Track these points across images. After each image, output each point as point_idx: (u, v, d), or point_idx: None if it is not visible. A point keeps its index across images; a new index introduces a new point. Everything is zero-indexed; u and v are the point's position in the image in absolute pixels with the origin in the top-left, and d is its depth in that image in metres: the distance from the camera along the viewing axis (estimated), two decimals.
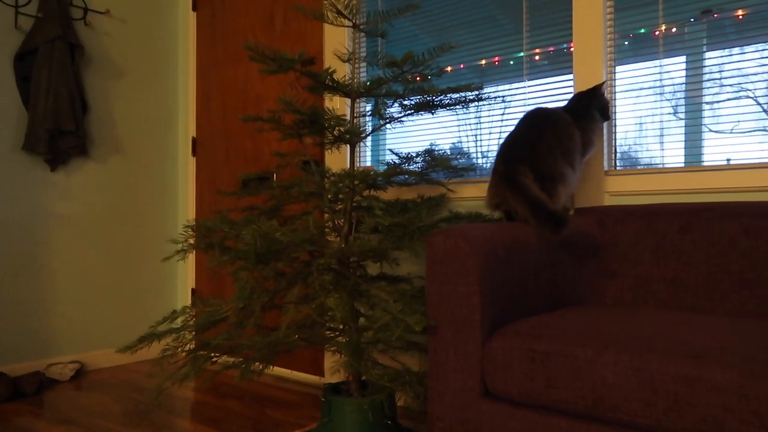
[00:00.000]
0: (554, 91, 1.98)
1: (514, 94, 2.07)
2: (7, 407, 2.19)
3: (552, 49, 1.99)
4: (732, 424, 0.91)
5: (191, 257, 3.07)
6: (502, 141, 1.67)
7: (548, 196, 1.51)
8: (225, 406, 2.18)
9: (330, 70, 1.68)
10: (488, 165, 2.15)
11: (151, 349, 2.97)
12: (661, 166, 1.79)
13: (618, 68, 1.86)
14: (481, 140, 2.17)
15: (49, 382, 2.53)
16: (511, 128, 2.06)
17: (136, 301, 2.95)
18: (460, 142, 2.22)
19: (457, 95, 1.77)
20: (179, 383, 1.56)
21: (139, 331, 2.96)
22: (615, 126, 1.87)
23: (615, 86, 1.87)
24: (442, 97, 1.76)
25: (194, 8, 3.11)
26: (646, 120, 1.82)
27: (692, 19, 1.74)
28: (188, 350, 1.66)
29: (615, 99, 1.87)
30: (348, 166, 1.99)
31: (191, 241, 1.70)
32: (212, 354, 1.62)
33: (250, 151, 2.84)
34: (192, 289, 3.07)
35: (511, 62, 2.09)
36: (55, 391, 2.41)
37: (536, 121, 1.63)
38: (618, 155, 1.87)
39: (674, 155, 1.77)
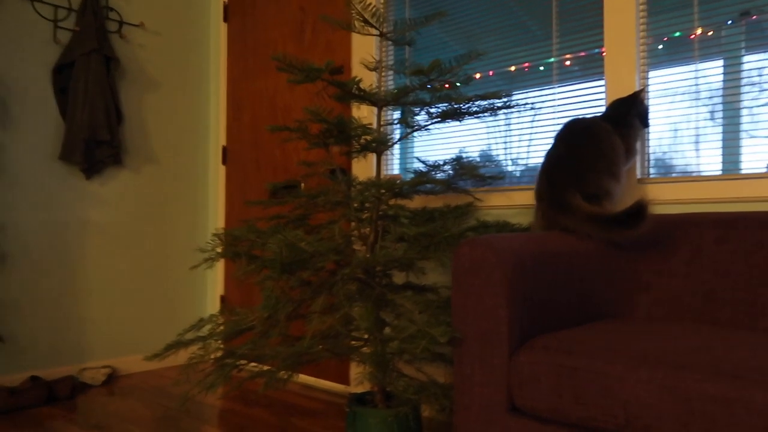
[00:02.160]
0: (585, 97, 1.94)
1: (544, 100, 2.04)
2: (42, 411, 2.24)
3: (583, 54, 1.95)
4: None
5: (221, 265, 3.10)
6: (543, 159, 1.64)
7: None
8: (251, 414, 2.19)
9: (357, 79, 1.68)
10: (517, 173, 2.11)
11: (180, 355, 3.01)
12: (696, 173, 1.73)
13: (651, 73, 1.82)
14: (510, 147, 2.14)
15: (82, 387, 2.58)
16: (545, 137, 2.03)
17: (167, 308, 3.00)
18: (489, 150, 2.19)
19: (485, 102, 1.75)
20: (206, 391, 1.56)
21: (168, 337, 3.00)
22: (648, 133, 1.82)
23: (648, 92, 1.82)
24: (469, 104, 1.74)
25: (225, 20, 3.16)
26: (681, 126, 1.77)
27: (729, 22, 1.69)
28: (215, 358, 1.66)
29: (648, 104, 1.82)
30: (374, 174, 1.98)
31: (218, 249, 1.71)
32: (238, 362, 1.63)
33: (279, 160, 2.86)
34: (221, 296, 3.10)
35: (541, 68, 2.05)
36: (87, 395, 2.46)
37: (576, 135, 1.59)
38: (652, 163, 1.82)
39: (711, 162, 1.71)
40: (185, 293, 3.08)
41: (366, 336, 1.67)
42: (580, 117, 1.68)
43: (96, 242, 2.74)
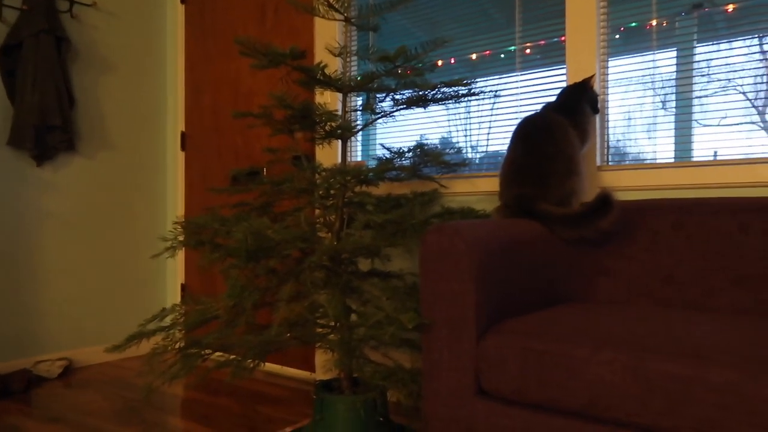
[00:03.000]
0: (547, 84, 1.97)
1: (507, 87, 2.06)
2: None
3: (543, 42, 1.98)
4: (729, 424, 0.90)
5: (181, 253, 3.04)
6: (504, 160, 1.66)
7: None
8: (216, 403, 2.17)
9: (321, 65, 1.66)
10: (477, 160, 2.14)
11: (141, 346, 2.95)
12: (652, 160, 1.78)
13: (610, 61, 1.86)
14: (471, 133, 2.16)
15: (37, 380, 2.50)
16: (505, 124, 2.06)
17: (125, 297, 2.93)
18: (451, 135, 2.21)
19: (450, 90, 1.75)
20: (169, 382, 1.54)
21: (128, 327, 2.93)
22: (607, 121, 1.86)
23: (608, 80, 1.86)
24: (434, 91, 1.74)
25: (183, 1, 3.07)
26: (638, 114, 1.82)
27: (683, 13, 1.74)
28: (178, 348, 1.64)
29: (608, 92, 1.86)
30: (339, 161, 1.97)
31: (180, 238, 1.68)
32: (203, 352, 1.60)
33: (241, 147, 2.81)
34: (182, 284, 3.04)
35: (503, 55, 2.07)
36: (43, 388, 2.39)
37: (534, 135, 1.61)
38: (610, 150, 1.86)
39: (665, 149, 1.76)
40: (144, 282, 3.01)
41: (333, 323, 1.67)
42: (535, 113, 1.70)
43: (49, 231, 2.65)
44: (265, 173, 2.67)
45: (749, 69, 1.64)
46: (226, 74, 2.88)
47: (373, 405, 1.59)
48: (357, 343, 1.58)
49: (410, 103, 1.77)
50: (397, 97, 1.78)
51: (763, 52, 1.62)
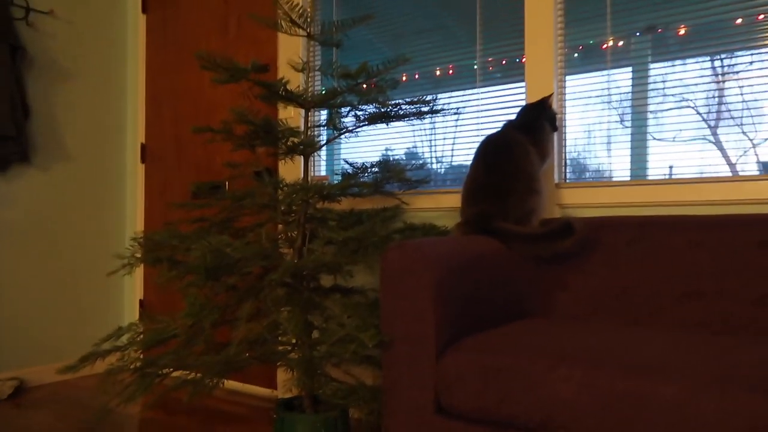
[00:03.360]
0: (507, 100, 2.01)
1: (468, 102, 2.09)
2: None
3: (504, 62, 2.02)
4: None
5: (139, 268, 2.97)
6: (467, 177, 1.69)
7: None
8: (174, 423, 2.12)
9: (284, 81, 1.66)
10: (442, 171, 2.16)
11: (96, 365, 2.86)
12: (609, 176, 1.83)
13: (568, 79, 1.90)
14: (435, 147, 2.18)
15: None
16: (468, 139, 2.08)
17: (81, 314, 2.84)
18: (415, 148, 2.23)
19: (412, 107, 1.77)
20: (126, 402, 1.50)
21: (83, 344, 2.84)
22: (565, 138, 1.90)
23: (565, 97, 1.90)
24: (397, 108, 1.75)
25: (144, 11, 3.02)
26: (595, 130, 1.87)
27: (638, 34, 1.80)
28: (135, 368, 1.59)
29: (565, 110, 1.90)
30: (302, 176, 1.96)
31: (138, 255, 1.64)
32: (161, 371, 1.57)
33: (202, 160, 2.77)
34: (140, 300, 2.97)
35: (465, 71, 2.10)
36: None
37: (494, 154, 1.64)
38: (568, 167, 1.90)
39: (621, 164, 1.82)
40: (101, 298, 2.93)
41: (294, 341, 1.65)
42: (496, 131, 1.73)
43: (0, 245, 2.55)
44: (227, 187, 2.64)
45: (702, 86, 1.70)
46: (187, 85, 2.85)
47: (335, 424, 1.58)
48: (318, 361, 1.56)
49: (373, 120, 1.78)
50: (360, 113, 1.78)
51: (714, 72, 1.69)
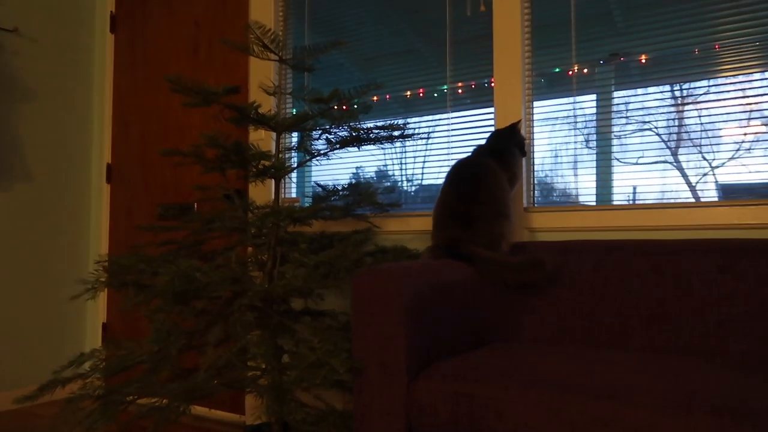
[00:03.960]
0: (476, 123, 2.04)
1: (438, 125, 2.12)
2: None
3: (474, 84, 2.06)
4: None
5: (103, 291, 2.90)
6: (437, 202, 1.70)
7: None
8: None
9: (255, 105, 1.66)
10: (412, 194, 2.18)
11: (56, 392, 2.76)
12: (575, 198, 1.88)
13: (536, 103, 1.95)
14: (405, 168, 2.21)
15: None
16: (439, 161, 2.11)
17: (41, 338, 2.74)
18: (385, 168, 2.24)
19: (384, 132, 1.79)
20: None
21: (42, 371, 2.74)
22: (533, 162, 1.94)
23: (533, 121, 1.95)
24: (368, 133, 1.77)
25: (112, 30, 2.99)
26: (562, 153, 1.91)
27: (601, 62, 1.86)
28: (97, 396, 1.55)
29: (533, 133, 1.95)
30: (272, 198, 1.96)
31: (102, 279, 1.61)
32: (124, 399, 1.52)
33: (170, 181, 2.73)
34: (103, 323, 2.89)
35: (435, 95, 2.14)
36: None
37: (465, 180, 1.66)
38: (536, 191, 1.94)
39: (587, 186, 1.86)
40: (62, 322, 2.84)
41: (263, 366, 1.63)
42: (467, 156, 1.76)
43: None
44: (195, 209, 2.61)
45: (663, 113, 1.77)
46: (156, 106, 2.82)
47: None
48: (288, 386, 1.54)
49: (345, 144, 1.79)
50: (331, 137, 1.79)
51: (674, 98, 1.75)
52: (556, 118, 1.92)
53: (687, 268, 1.46)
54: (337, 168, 2.34)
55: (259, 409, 2.33)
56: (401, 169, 2.22)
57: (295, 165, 1.85)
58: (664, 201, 1.74)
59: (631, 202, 1.80)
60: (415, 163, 2.19)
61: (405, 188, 2.20)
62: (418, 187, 2.18)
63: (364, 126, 1.75)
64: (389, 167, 2.24)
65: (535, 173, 1.94)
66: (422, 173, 2.17)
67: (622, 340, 1.48)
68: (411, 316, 1.25)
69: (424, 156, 2.16)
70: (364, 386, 1.28)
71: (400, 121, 1.80)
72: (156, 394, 1.45)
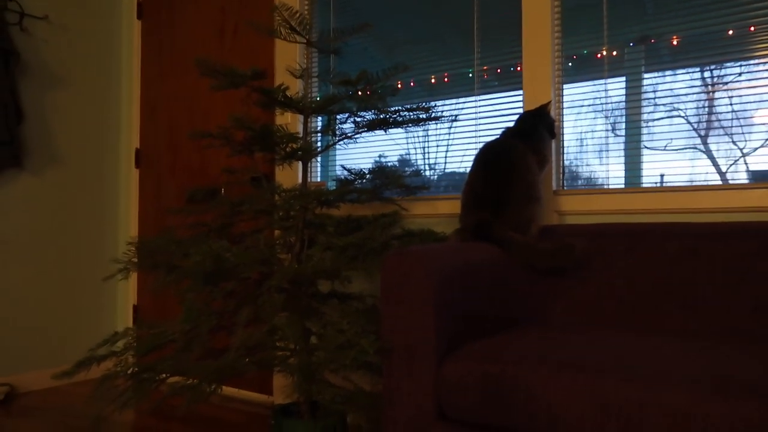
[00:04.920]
0: (504, 108, 2.02)
1: (465, 110, 2.10)
2: None
3: (499, 70, 2.03)
4: None
5: (133, 273, 2.95)
6: (465, 185, 1.69)
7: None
8: (169, 430, 2.10)
9: (283, 87, 1.66)
10: (436, 179, 2.17)
11: (91, 371, 2.83)
12: (604, 183, 1.85)
13: (565, 87, 1.92)
14: (428, 153, 2.19)
15: None
16: (463, 147, 2.09)
17: (73, 319, 2.81)
18: (409, 155, 2.23)
19: (411, 114, 1.78)
20: (121, 409, 1.48)
21: (76, 350, 2.81)
22: (563, 146, 1.92)
23: (563, 105, 1.92)
24: (395, 115, 1.76)
25: (139, 17, 3.02)
26: (591, 138, 1.88)
27: (632, 44, 1.82)
28: (131, 374, 1.58)
29: (563, 118, 1.92)
30: (300, 182, 1.96)
31: (134, 260, 1.63)
32: (157, 377, 1.55)
33: (197, 165, 2.76)
34: (134, 305, 2.95)
35: (461, 79, 2.12)
36: None
37: (494, 163, 1.64)
38: (566, 174, 1.92)
39: (616, 172, 1.83)
40: (94, 304, 2.90)
41: (292, 346, 1.65)
42: (495, 138, 1.74)
43: None
44: (223, 193, 2.63)
45: (692, 96, 1.73)
46: (183, 91, 2.84)
47: (333, 430, 1.57)
48: (317, 367, 1.56)
49: (371, 127, 1.79)
50: (358, 120, 1.79)
51: (704, 82, 1.71)
52: (585, 103, 1.89)
53: (722, 251, 1.43)
54: (360, 155, 2.33)
55: (288, 390, 2.36)
56: (423, 156, 2.20)
57: (323, 148, 1.85)
58: (691, 184, 1.71)
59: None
60: (438, 149, 2.17)
61: (427, 176, 2.19)
62: (441, 173, 2.17)
63: (391, 108, 1.74)
64: (412, 155, 2.23)
65: (564, 156, 1.92)
66: (445, 160, 2.16)
67: (655, 324, 1.46)
68: (440, 297, 1.24)
69: (448, 143, 2.15)
70: (392, 367, 1.28)
71: (427, 104, 1.78)
72: (188, 373, 1.47)
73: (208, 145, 2.67)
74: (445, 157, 2.16)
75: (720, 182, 1.68)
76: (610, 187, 1.84)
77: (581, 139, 1.90)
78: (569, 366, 1.07)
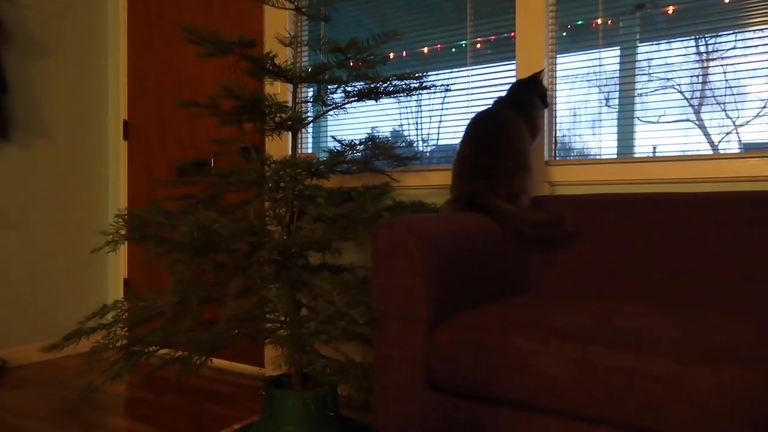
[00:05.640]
0: (497, 79, 1.99)
1: (457, 81, 2.07)
2: None
3: (494, 37, 2.00)
4: (667, 411, 0.94)
5: (124, 247, 2.93)
6: (457, 154, 1.67)
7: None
8: (161, 402, 2.11)
9: (271, 54, 1.62)
10: (429, 153, 2.15)
11: (81, 344, 2.83)
12: (596, 155, 1.83)
13: (558, 58, 1.89)
14: (421, 126, 2.17)
15: None
16: (456, 118, 2.07)
17: (64, 293, 2.80)
18: (401, 128, 2.21)
19: (402, 83, 1.75)
20: (111, 381, 1.48)
21: (67, 324, 2.81)
22: (555, 116, 1.90)
23: (556, 76, 1.89)
24: (386, 84, 1.73)
25: None
26: (584, 110, 1.86)
27: (627, 13, 1.79)
28: (120, 346, 1.57)
29: (556, 89, 1.89)
30: (289, 153, 1.94)
31: (123, 232, 1.61)
32: (147, 349, 1.55)
33: (187, 136, 2.72)
34: (124, 279, 2.94)
35: (453, 50, 2.08)
36: None
37: (486, 133, 1.63)
38: (558, 145, 1.90)
39: (609, 144, 1.82)
40: (84, 277, 2.88)
41: (283, 318, 1.65)
42: (487, 108, 1.72)
43: None
44: (212, 165, 2.60)
45: (686, 69, 1.70)
46: (171, 61, 2.78)
47: (324, 400, 1.58)
48: (307, 338, 1.56)
49: (362, 96, 1.76)
50: (349, 89, 1.76)
51: (699, 53, 1.69)
52: (579, 74, 1.86)
53: (713, 220, 1.42)
54: (353, 127, 2.31)
55: (279, 361, 2.37)
56: (416, 129, 2.18)
57: (313, 117, 1.82)
58: (684, 153, 1.69)
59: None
60: (431, 122, 2.15)
61: (420, 149, 2.17)
62: (433, 146, 2.15)
63: (382, 77, 1.71)
64: (405, 127, 2.20)
65: (557, 127, 1.90)
66: (438, 133, 2.13)
67: (644, 293, 1.46)
68: (431, 266, 1.24)
69: (440, 115, 2.12)
70: (383, 337, 1.28)
71: (419, 73, 1.75)
72: (178, 344, 1.47)
73: (196, 115, 2.63)
74: (438, 129, 2.14)
75: (711, 153, 1.67)
76: (602, 158, 1.83)
77: (574, 110, 1.88)
78: (558, 334, 1.07)
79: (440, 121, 2.13)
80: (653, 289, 1.46)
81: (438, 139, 2.14)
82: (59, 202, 2.78)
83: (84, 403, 2.09)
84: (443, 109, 2.11)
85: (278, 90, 2.36)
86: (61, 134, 2.79)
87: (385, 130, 2.24)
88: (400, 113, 2.21)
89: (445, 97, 2.10)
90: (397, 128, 2.22)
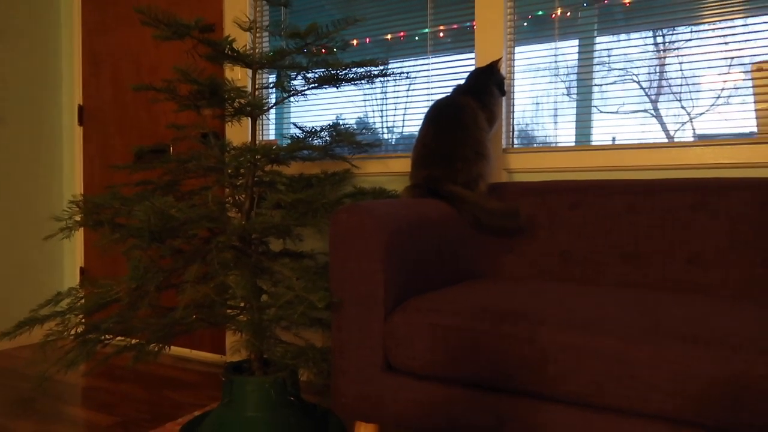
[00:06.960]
0: (457, 69, 2.01)
1: (419, 70, 2.08)
2: None
3: (456, 26, 2.02)
4: (613, 387, 0.98)
5: (79, 234, 2.87)
6: (416, 142, 1.69)
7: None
8: (119, 390, 2.08)
9: (230, 39, 1.61)
10: (393, 141, 2.16)
11: (34, 333, 2.77)
12: (554, 144, 1.88)
13: (517, 48, 1.92)
14: (386, 115, 2.18)
15: None
16: (419, 106, 2.08)
17: (17, 282, 2.72)
18: (366, 117, 2.21)
19: (362, 70, 1.75)
20: (66, 370, 1.46)
21: (20, 314, 2.73)
22: (513, 105, 1.93)
23: (514, 66, 1.92)
24: (347, 71, 1.73)
25: None
26: (542, 100, 1.90)
27: (585, 4, 1.83)
28: (75, 334, 1.55)
29: (514, 78, 1.92)
30: (249, 139, 1.92)
31: (77, 218, 1.58)
32: (103, 337, 1.53)
33: (145, 122, 2.67)
34: (81, 268, 2.87)
35: (416, 38, 2.09)
36: None
37: (444, 120, 1.65)
38: (515, 134, 1.94)
39: (567, 134, 1.86)
40: (38, 267, 2.81)
41: (242, 304, 1.64)
42: (445, 96, 1.74)
43: None
44: (171, 151, 2.56)
45: (644, 60, 1.75)
46: (128, 45, 2.72)
47: (283, 384, 1.59)
48: (267, 324, 1.56)
49: (322, 82, 1.76)
50: (309, 75, 1.75)
51: (656, 45, 1.74)
52: (538, 64, 1.90)
53: (661, 206, 1.48)
54: (317, 115, 2.30)
55: (239, 347, 2.36)
56: (381, 117, 2.18)
57: (273, 103, 1.81)
58: (640, 141, 1.75)
59: None
60: (396, 110, 2.16)
61: (385, 137, 2.18)
62: (398, 136, 2.16)
63: (342, 63, 1.71)
64: (369, 116, 2.21)
65: (515, 116, 1.93)
66: (403, 121, 2.15)
67: (596, 277, 1.51)
68: (389, 250, 1.25)
69: (405, 103, 2.13)
70: (342, 321, 1.29)
71: (379, 60, 1.75)
72: (134, 330, 1.46)
73: (152, 99, 2.58)
74: (404, 118, 2.15)
75: (667, 141, 1.73)
76: (559, 145, 1.87)
77: (533, 99, 1.91)
78: (510, 315, 1.11)
79: (405, 110, 2.14)
80: (604, 272, 1.51)
81: (403, 127, 2.15)
82: (12, 189, 2.70)
83: (38, 393, 2.05)
84: (408, 98, 2.12)
85: (239, 75, 2.34)
86: (11, 119, 2.70)
87: (350, 119, 2.24)
88: (365, 102, 2.21)
89: (409, 85, 2.11)
90: (362, 116, 2.23)
